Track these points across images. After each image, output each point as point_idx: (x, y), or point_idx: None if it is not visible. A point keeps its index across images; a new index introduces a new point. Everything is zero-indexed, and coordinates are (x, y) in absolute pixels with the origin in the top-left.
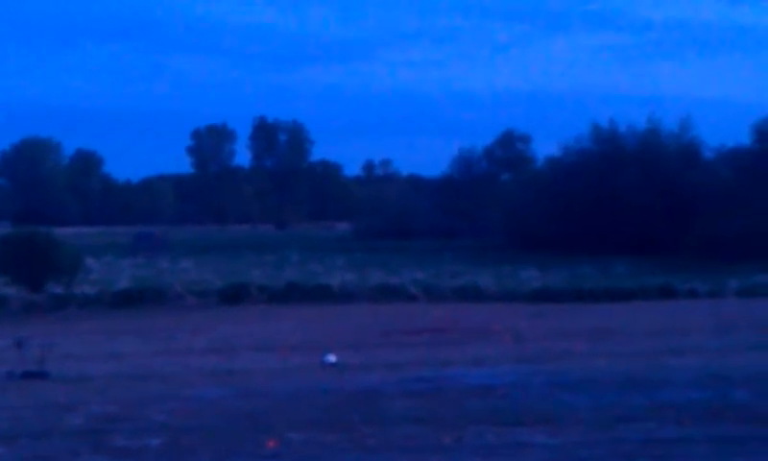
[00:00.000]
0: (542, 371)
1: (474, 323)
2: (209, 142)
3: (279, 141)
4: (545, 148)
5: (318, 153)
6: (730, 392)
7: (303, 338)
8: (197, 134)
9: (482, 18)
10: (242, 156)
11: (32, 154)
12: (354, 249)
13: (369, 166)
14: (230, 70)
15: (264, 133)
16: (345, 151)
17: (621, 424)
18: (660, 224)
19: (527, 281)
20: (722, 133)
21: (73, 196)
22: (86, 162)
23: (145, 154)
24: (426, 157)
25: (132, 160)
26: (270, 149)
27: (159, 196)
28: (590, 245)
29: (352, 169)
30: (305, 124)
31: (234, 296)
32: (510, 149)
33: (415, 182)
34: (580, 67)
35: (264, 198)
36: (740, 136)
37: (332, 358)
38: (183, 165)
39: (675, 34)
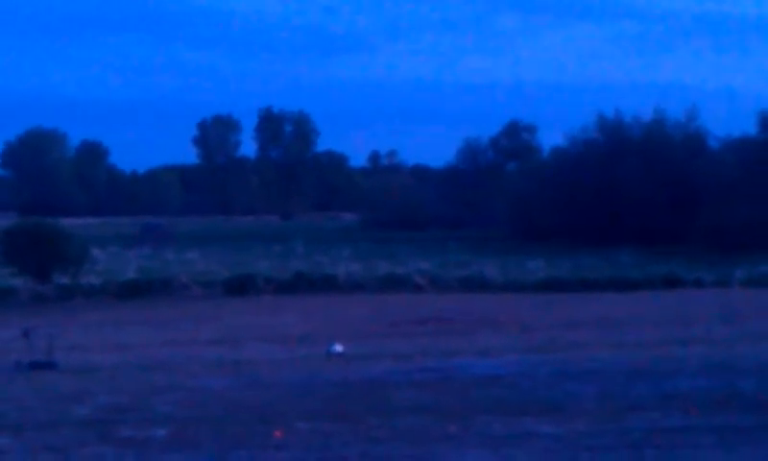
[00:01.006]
0: (548, 361)
1: (480, 313)
2: (215, 133)
3: (285, 132)
4: (551, 138)
5: (323, 143)
6: (736, 381)
7: (309, 329)
8: (203, 125)
9: (487, 7)
10: (248, 146)
11: (37, 145)
12: (360, 239)
13: (374, 157)
14: (236, 61)
15: (270, 123)
16: (350, 142)
17: (627, 414)
18: (665, 214)
19: (533, 272)
20: (728, 122)
21: (79, 187)
22: (92, 153)
23: (151, 145)
24: (432, 147)
25: (137, 151)
26: (275, 140)
27: (165, 187)
28: (596, 235)
29: (358, 160)
30: (311, 115)
31: (240, 287)
32: (515, 139)
33: (420, 173)
34: (585, 57)
35: (270, 189)
36: (746, 126)
37: (339, 348)
38: (189, 156)
39: (680, 23)
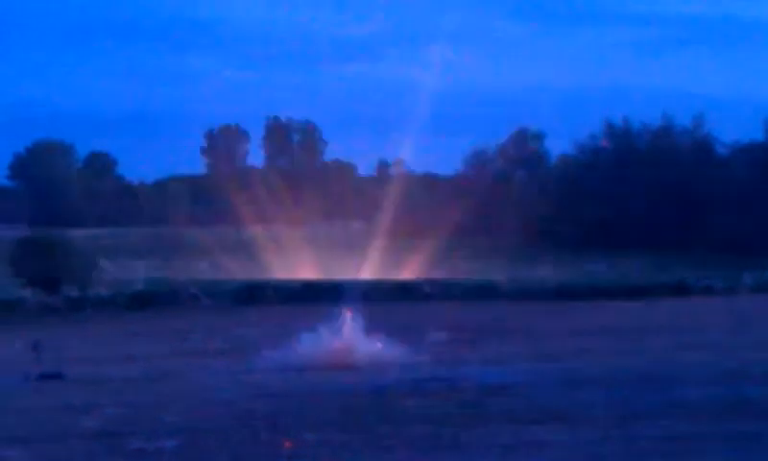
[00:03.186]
0: (557, 368)
1: (489, 321)
2: (223, 143)
3: (293, 141)
4: (559, 145)
5: (331, 153)
6: (745, 388)
7: None
8: (210, 135)
9: (494, 15)
10: (255, 156)
11: (45, 156)
12: (368, 248)
13: (382, 165)
14: (243, 70)
15: (277, 133)
16: (358, 150)
17: (637, 421)
18: (673, 220)
19: (541, 279)
20: (736, 128)
21: (87, 198)
22: (100, 164)
23: (158, 155)
24: (439, 155)
25: (145, 162)
26: (283, 149)
27: (173, 197)
28: (604, 242)
29: (366, 168)
30: (319, 124)
31: (249, 296)
32: (523, 147)
33: (428, 181)
34: (593, 63)
35: (278, 198)
36: (754, 132)
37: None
38: (197, 166)
39: (689, 29)
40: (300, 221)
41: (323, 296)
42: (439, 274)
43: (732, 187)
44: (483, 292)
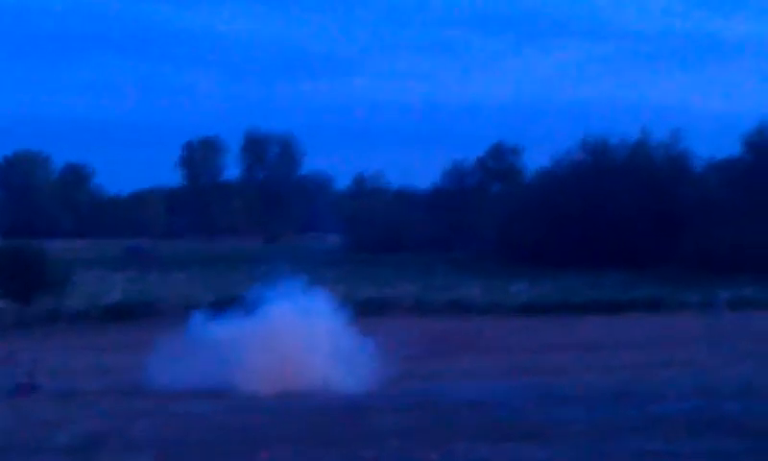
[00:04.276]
0: (533, 384)
1: (465, 336)
2: (200, 155)
3: (270, 154)
4: (536, 159)
5: (309, 165)
6: (720, 404)
7: None
8: (188, 147)
9: (471, 29)
10: (233, 168)
11: (21, 167)
12: (345, 261)
13: (359, 179)
14: (222, 82)
15: (255, 145)
16: (335, 163)
17: (612, 438)
18: (650, 236)
19: (517, 294)
20: (712, 143)
21: (63, 209)
22: (76, 175)
23: (135, 167)
24: (416, 169)
25: (122, 173)
26: (261, 161)
27: (150, 209)
28: (581, 257)
29: (343, 181)
30: (296, 136)
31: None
32: (500, 161)
33: (406, 195)
34: (571, 78)
35: (255, 210)
36: (730, 148)
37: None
38: (174, 178)
39: (666, 44)
40: (277, 233)
41: None
42: (414, 288)
43: (709, 203)
44: (458, 306)
